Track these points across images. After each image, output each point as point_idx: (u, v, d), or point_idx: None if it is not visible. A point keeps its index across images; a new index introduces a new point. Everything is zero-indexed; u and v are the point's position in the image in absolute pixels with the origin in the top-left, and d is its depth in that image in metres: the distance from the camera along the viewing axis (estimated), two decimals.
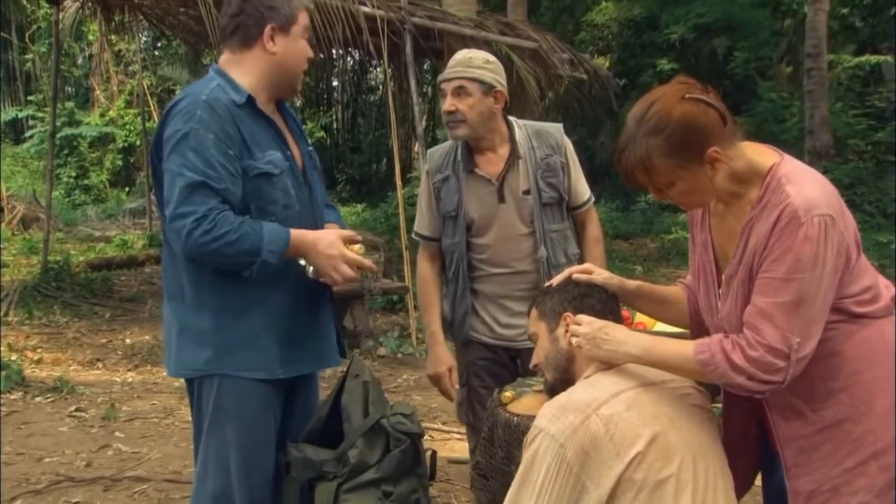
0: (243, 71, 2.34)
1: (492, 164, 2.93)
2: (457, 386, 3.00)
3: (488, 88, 2.86)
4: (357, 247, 2.33)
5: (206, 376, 2.32)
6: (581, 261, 2.97)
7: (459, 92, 2.85)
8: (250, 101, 2.31)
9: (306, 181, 2.46)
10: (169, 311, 2.42)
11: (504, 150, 2.94)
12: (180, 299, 2.35)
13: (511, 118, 3.01)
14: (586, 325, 1.93)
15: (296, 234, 2.27)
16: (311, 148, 2.56)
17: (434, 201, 3.00)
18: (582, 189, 3.02)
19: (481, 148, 2.93)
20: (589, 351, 1.91)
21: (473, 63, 2.88)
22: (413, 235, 3.15)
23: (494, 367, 3.00)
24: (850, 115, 13.33)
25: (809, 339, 1.72)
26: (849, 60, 15.05)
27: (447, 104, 2.87)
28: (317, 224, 2.46)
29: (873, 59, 14.92)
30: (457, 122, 2.86)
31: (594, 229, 3.08)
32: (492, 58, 2.96)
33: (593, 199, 3.09)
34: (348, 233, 2.39)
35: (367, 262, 2.39)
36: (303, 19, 2.37)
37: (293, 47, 2.36)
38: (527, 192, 2.92)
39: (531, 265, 2.94)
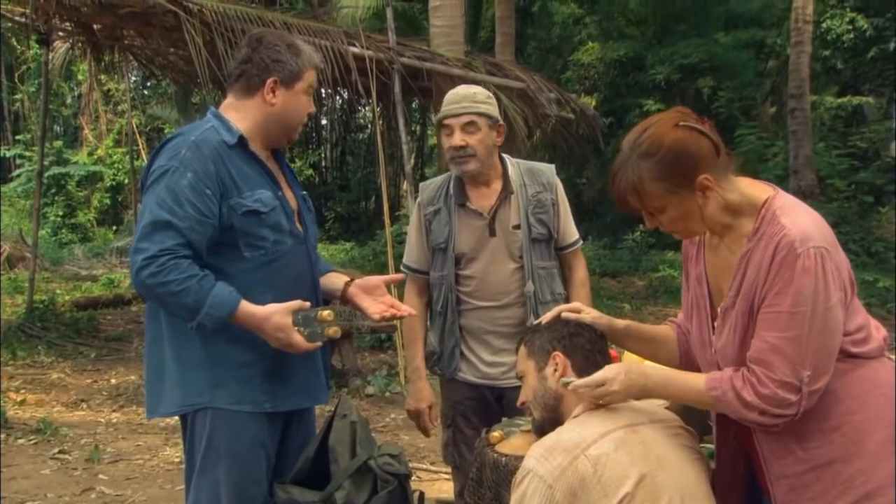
0: (241, 116, 2.36)
1: (484, 199, 2.95)
2: (436, 423, 2.98)
3: (494, 122, 2.91)
4: (326, 312, 2.31)
5: (200, 410, 2.31)
6: (567, 301, 2.98)
7: (469, 127, 2.87)
8: (241, 141, 2.32)
9: (301, 221, 2.47)
10: (153, 352, 2.40)
11: (497, 185, 2.96)
12: (167, 337, 2.34)
13: (504, 155, 3.04)
14: (614, 383, 1.86)
15: (245, 308, 2.22)
16: (304, 193, 2.57)
17: (424, 234, 3.01)
18: (570, 230, 3.05)
19: (477, 182, 2.95)
20: (623, 398, 1.89)
21: (479, 98, 2.91)
22: (402, 268, 3.15)
23: (480, 407, 2.99)
24: (832, 155, 13.50)
25: (822, 372, 1.72)
26: (831, 101, 15.29)
27: (456, 140, 2.87)
28: (310, 262, 2.46)
29: (855, 100, 15.17)
30: (467, 158, 2.88)
31: (581, 271, 3.09)
32: (489, 92, 3.01)
33: (581, 242, 3.11)
34: (296, 304, 2.29)
35: (310, 345, 2.30)
36: (309, 77, 2.39)
37: (293, 102, 2.37)
38: (517, 227, 2.93)
39: (517, 300, 2.94)
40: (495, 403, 2.98)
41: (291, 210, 2.43)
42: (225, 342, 2.29)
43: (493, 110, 2.92)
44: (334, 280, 2.57)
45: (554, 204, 2.99)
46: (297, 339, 2.25)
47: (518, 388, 2.92)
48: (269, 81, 2.33)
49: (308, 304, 2.31)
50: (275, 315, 2.24)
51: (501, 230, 2.93)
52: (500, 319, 2.95)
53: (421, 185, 3.14)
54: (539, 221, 2.95)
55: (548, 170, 3.06)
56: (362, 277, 2.57)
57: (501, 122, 2.94)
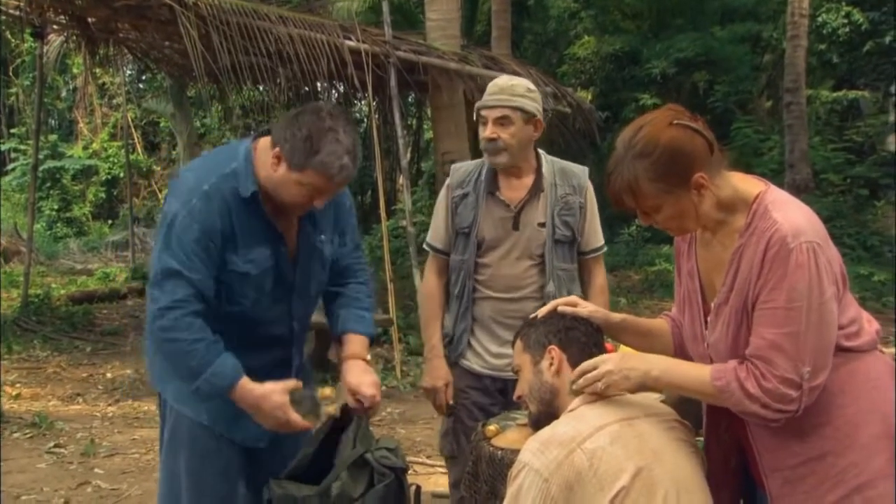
0: (265, 163, 2.24)
1: (514, 191, 2.95)
2: (450, 401, 2.97)
3: (529, 117, 2.88)
4: (329, 390, 2.30)
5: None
6: None
7: (502, 121, 2.86)
8: (254, 196, 2.25)
9: (296, 272, 2.39)
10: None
11: (529, 180, 2.96)
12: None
13: (540, 151, 3.02)
14: (607, 363, 1.89)
15: (245, 384, 2.21)
16: (322, 237, 2.42)
17: (450, 215, 3.00)
18: (596, 235, 3.04)
19: (509, 174, 2.95)
20: (619, 385, 1.88)
21: (516, 91, 2.89)
22: (425, 245, 3.14)
23: (483, 397, 2.99)
24: (828, 149, 13.51)
25: (821, 367, 1.73)
26: (827, 95, 15.28)
27: (489, 131, 2.86)
28: (292, 320, 2.43)
29: (850, 94, 15.16)
30: (498, 150, 2.87)
31: (601, 277, 3.08)
32: (532, 86, 2.98)
33: (604, 249, 3.10)
34: (292, 384, 2.27)
35: (308, 423, 2.29)
36: (309, 177, 2.15)
37: (285, 183, 2.19)
38: (542, 225, 2.93)
39: (529, 295, 2.94)
40: (498, 395, 2.98)
41: (288, 265, 2.36)
42: None
43: (530, 104, 2.88)
44: (346, 345, 2.47)
45: (581, 207, 2.98)
46: (295, 417, 2.23)
47: None
48: (276, 150, 2.19)
49: (301, 384, 2.30)
50: (273, 394, 2.22)
51: (525, 225, 2.93)
52: (510, 312, 2.94)
53: (453, 166, 3.13)
54: (564, 223, 2.94)
55: (581, 172, 3.04)
56: (364, 369, 2.42)
57: (539, 116, 2.90)
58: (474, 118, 2.99)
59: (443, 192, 3.08)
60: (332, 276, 2.51)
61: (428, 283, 3.08)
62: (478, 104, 2.95)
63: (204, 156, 2.36)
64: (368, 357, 2.48)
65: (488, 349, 2.97)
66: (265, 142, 2.28)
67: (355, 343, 2.46)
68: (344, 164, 2.15)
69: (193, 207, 2.19)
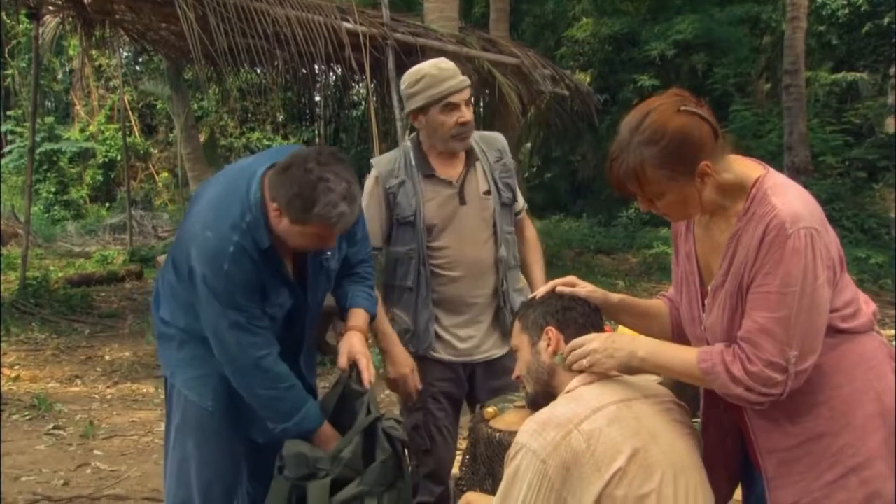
0: (272, 216, 2.26)
1: (450, 168, 2.91)
2: (419, 386, 2.84)
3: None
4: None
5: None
6: (523, 263, 3.05)
7: (468, 102, 2.85)
8: (271, 248, 2.28)
9: (307, 295, 2.46)
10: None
11: (461, 154, 2.93)
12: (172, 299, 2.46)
13: None
14: (594, 341, 1.93)
15: (326, 430, 2.37)
16: (328, 254, 2.45)
17: (386, 209, 2.90)
18: (520, 195, 3.09)
19: (441, 153, 2.91)
20: (603, 364, 1.90)
21: (460, 71, 2.89)
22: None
23: (453, 388, 2.96)
24: (827, 132, 13.49)
25: (809, 352, 1.73)
26: (826, 77, 15.26)
27: (466, 115, 2.83)
28: (303, 328, 2.52)
29: (850, 76, 15.14)
30: (469, 133, 2.86)
31: (531, 230, 3.15)
32: None
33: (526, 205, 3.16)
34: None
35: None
36: (311, 229, 2.19)
37: (291, 234, 2.23)
38: (487, 193, 2.92)
39: (491, 268, 2.93)
40: (466, 383, 2.97)
41: (300, 292, 2.44)
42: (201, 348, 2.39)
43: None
44: (352, 317, 2.57)
45: (513, 168, 3.03)
46: None
47: (489, 361, 2.94)
48: (275, 206, 2.20)
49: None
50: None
51: (472, 198, 2.91)
52: (477, 289, 2.92)
53: (373, 160, 3.03)
54: (506, 186, 2.96)
55: (499, 136, 3.08)
56: (360, 334, 2.55)
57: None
58: (425, 113, 2.86)
59: (371, 187, 2.92)
60: (343, 265, 2.58)
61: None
62: (441, 93, 2.81)
63: (215, 203, 2.31)
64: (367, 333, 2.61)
65: (456, 334, 2.92)
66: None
67: (360, 317, 2.57)
68: (342, 212, 2.15)
69: (228, 273, 2.23)
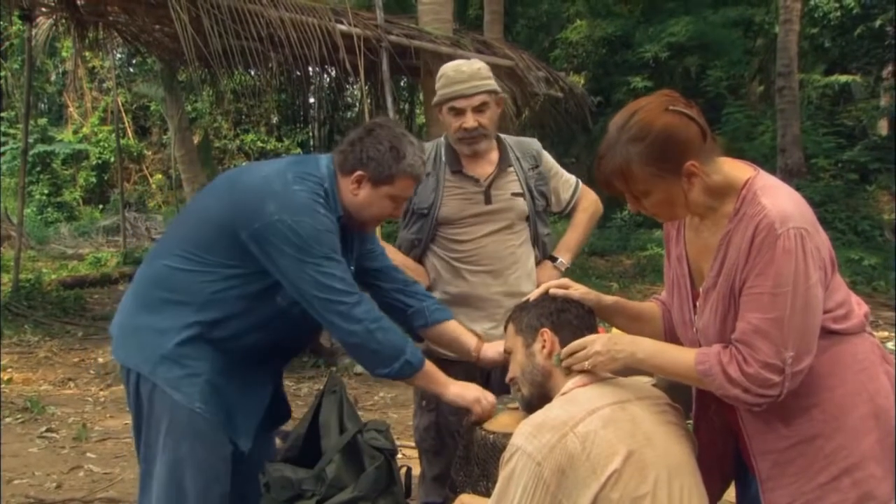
0: (344, 191, 2.36)
1: (480, 168, 2.94)
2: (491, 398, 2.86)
3: (497, 97, 2.90)
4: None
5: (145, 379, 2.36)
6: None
7: (481, 107, 2.84)
8: (339, 219, 2.34)
9: None
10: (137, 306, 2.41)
11: (494, 156, 2.95)
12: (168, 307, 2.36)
13: None
14: (596, 343, 1.93)
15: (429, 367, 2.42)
16: (352, 255, 2.53)
17: None
18: (569, 180, 3.13)
19: (475, 153, 2.92)
20: (606, 365, 1.91)
21: (483, 73, 2.87)
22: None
23: None
24: (819, 134, 13.54)
25: (805, 353, 1.73)
26: (819, 80, 15.30)
27: (469, 121, 2.84)
28: (302, 325, 2.49)
29: (842, 78, 15.18)
30: (480, 137, 2.87)
31: (587, 201, 3.18)
32: (485, 64, 2.96)
33: (579, 182, 3.19)
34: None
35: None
36: (401, 185, 2.34)
37: (374, 201, 2.35)
38: (518, 195, 2.94)
39: (509, 267, 2.95)
40: (482, 381, 2.95)
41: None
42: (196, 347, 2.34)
43: (495, 84, 2.90)
44: (461, 338, 2.63)
45: (548, 173, 3.05)
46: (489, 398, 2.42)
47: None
48: (356, 174, 2.31)
49: None
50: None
51: (498, 199, 2.93)
52: (494, 286, 2.94)
53: None
54: (540, 194, 2.99)
55: (534, 142, 3.10)
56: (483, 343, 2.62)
57: (501, 92, 2.93)
58: (441, 111, 2.92)
59: None
60: (380, 278, 2.62)
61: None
62: (447, 95, 2.86)
63: (293, 163, 2.37)
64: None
65: (473, 330, 2.89)
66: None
67: (466, 334, 2.65)
68: (423, 163, 2.38)
69: (324, 218, 2.26)
